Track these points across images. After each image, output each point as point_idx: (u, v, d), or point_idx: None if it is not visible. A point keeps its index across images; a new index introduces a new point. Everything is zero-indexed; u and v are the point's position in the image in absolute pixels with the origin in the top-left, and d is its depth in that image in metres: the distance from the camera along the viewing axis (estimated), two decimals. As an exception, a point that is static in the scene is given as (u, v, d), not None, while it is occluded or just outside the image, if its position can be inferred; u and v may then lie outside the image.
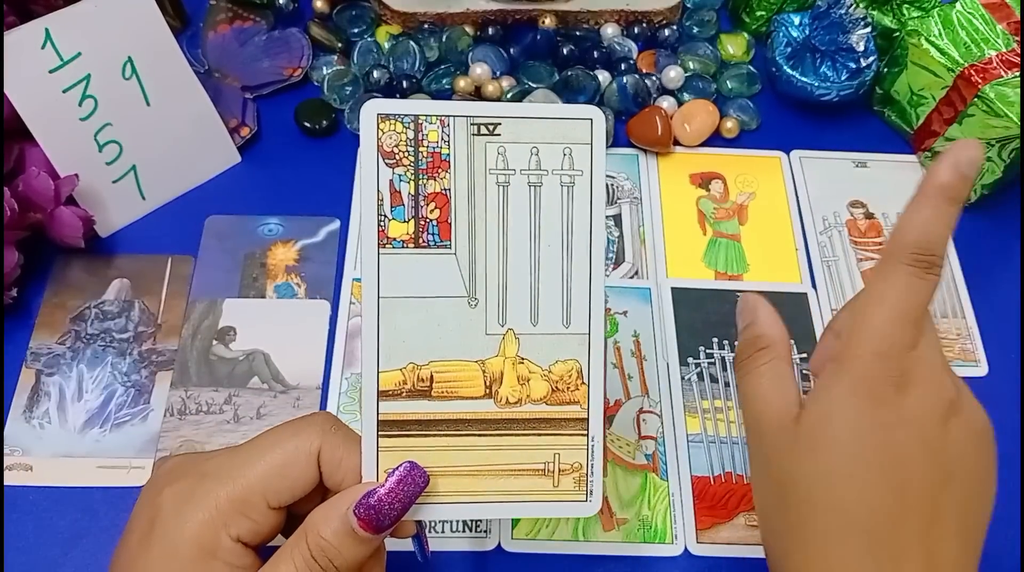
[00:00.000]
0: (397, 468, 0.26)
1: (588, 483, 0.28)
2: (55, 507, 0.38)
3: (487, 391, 0.27)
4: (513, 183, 0.27)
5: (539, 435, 0.28)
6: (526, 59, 0.53)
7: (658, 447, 0.41)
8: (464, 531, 0.38)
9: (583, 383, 0.27)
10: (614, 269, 0.47)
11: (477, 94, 0.51)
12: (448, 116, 0.26)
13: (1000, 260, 0.49)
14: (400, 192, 0.26)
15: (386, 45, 0.53)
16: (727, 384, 0.43)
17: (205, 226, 0.47)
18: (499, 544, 0.38)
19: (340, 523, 0.25)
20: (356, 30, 0.54)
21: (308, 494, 0.27)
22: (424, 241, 0.26)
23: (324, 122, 0.50)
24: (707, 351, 0.44)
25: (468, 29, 0.53)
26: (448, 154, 0.26)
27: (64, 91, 0.41)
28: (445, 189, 0.26)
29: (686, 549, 0.38)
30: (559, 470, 0.28)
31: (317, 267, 0.45)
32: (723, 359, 0.44)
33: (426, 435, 0.27)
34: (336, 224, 0.47)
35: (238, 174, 0.49)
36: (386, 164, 0.26)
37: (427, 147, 0.26)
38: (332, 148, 0.50)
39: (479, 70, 0.51)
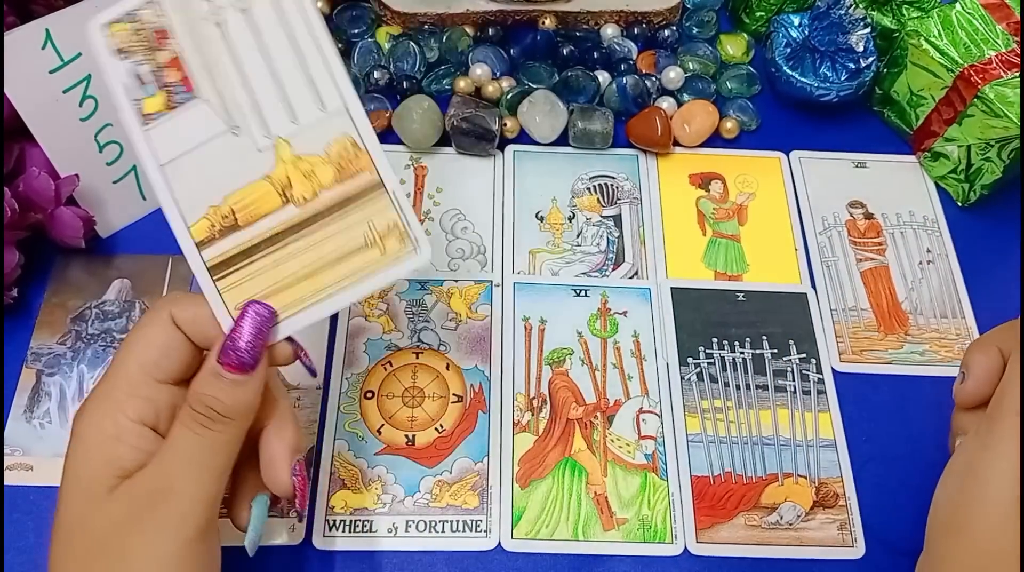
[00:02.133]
0: (243, 309, 0.29)
1: (411, 235, 0.30)
2: (55, 507, 0.38)
3: (284, 198, 0.29)
4: (227, 18, 0.29)
5: (347, 214, 0.29)
6: (526, 60, 0.53)
7: (658, 447, 0.41)
8: (464, 531, 0.38)
9: (361, 150, 0.29)
10: (614, 269, 0.47)
11: (477, 94, 0.51)
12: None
13: (1000, 260, 0.49)
14: (140, 76, 0.29)
15: (386, 46, 0.53)
16: (727, 384, 0.43)
17: (205, 226, 0.47)
18: (499, 544, 0.38)
19: (209, 372, 0.28)
20: (356, 31, 0.54)
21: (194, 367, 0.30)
22: (174, 102, 0.29)
23: (324, 122, 0.50)
24: (707, 351, 0.44)
25: (468, 30, 0.53)
26: (167, 23, 0.29)
27: (64, 91, 0.41)
28: (175, 52, 0.29)
29: (686, 549, 0.38)
30: (378, 235, 0.30)
31: (317, 267, 0.45)
32: (722, 359, 0.44)
33: (252, 261, 0.29)
34: (336, 224, 0.47)
35: (238, 174, 0.49)
36: (121, 60, 0.29)
37: (148, 28, 0.29)
38: (332, 148, 0.50)
39: (479, 71, 0.51)
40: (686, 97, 0.53)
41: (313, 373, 0.32)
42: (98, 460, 0.28)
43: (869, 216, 0.50)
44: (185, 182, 0.29)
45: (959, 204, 0.50)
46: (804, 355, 0.44)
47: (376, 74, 0.51)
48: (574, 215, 0.49)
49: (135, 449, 0.28)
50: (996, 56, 0.47)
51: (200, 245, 0.29)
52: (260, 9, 0.29)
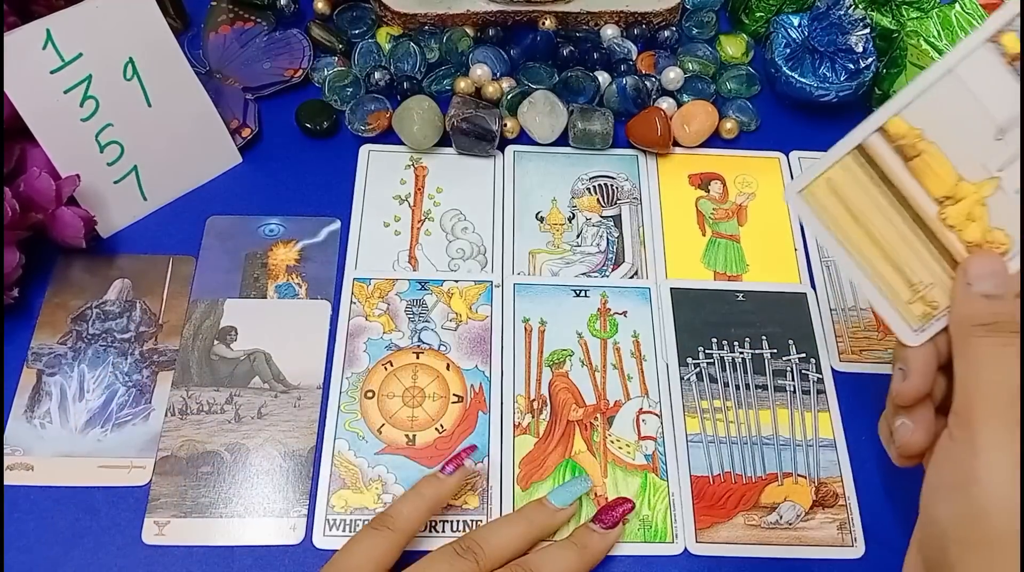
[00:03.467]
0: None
1: (930, 323, 0.31)
2: (56, 507, 0.38)
3: (943, 198, 0.29)
4: None
5: (940, 259, 0.30)
6: (526, 60, 0.53)
7: (658, 447, 0.41)
8: (465, 531, 0.38)
9: (1008, 255, 0.30)
10: (614, 270, 0.47)
11: (477, 95, 0.51)
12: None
13: (999, 260, 0.49)
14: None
15: (387, 46, 0.53)
16: (726, 384, 0.43)
17: (206, 226, 0.47)
18: (499, 543, 0.38)
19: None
20: (357, 31, 0.54)
21: None
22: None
23: (325, 123, 0.50)
24: (706, 351, 0.44)
25: (468, 30, 0.54)
26: None
27: (65, 92, 0.41)
28: None
29: (686, 549, 0.38)
30: (921, 296, 0.31)
31: (318, 267, 0.46)
32: (722, 359, 0.44)
33: (865, 194, 0.30)
34: (337, 224, 0.47)
35: (239, 175, 0.49)
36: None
37: None
38: (333, 149, 0.50)
39: (479, 71, 0.51)
40: (686, 97, 0.53)
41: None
42: None
43: (868, 216, 0.50)
44: (937, 98, 0.29)
45: (958, 204, 0.50)
46: (804, 355, 0.44)
47: (376, 75, 0.51)
48: (574, 215, 0.49)
49: None
50: (995, 57, 0.47)
51: (880, 131, 0.30)
52: None
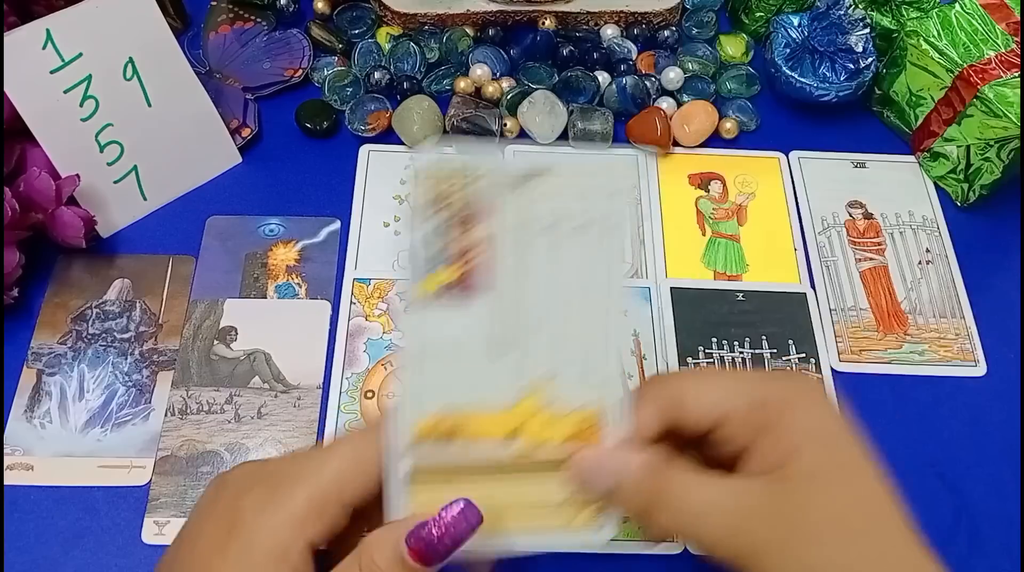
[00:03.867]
0: (452, 503, 0.26)
1: (603, 517, 0.28)
2: (56, 507, 0.38)
3: (510, 433, 0.27)
4: (554, 232, 0.27)
5: (560, 474, 0.28)
6: (526, 60, 0.53)
7: (658, 447, 0.41)
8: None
9: (605, 428, 0.28)
10: (614, 269, 0.47)
11: (477, 95, 0.51)
12: (489, 170, 0.26)
13: (1000, 260, 0.49)
14: (441, 242, 0.27)
15: (387, 46, 0.53)
16: (727, 384, 0.43)
17: (206, 226, 0.47)
18: (499, 543, 0.38)
19: (392, 550, 0.25)
20: (357, 31, 0.54)
21: (372, 502, 0.27)
22: (468, 285, 0.27)
23: (325, 123, 0.50)
24: (706, 351, 0.44)
25: (468, 30, 0.54)
26: (491, 202, 0.26)
27: (65, 92, 0.41)
28: (486, 237, 0.27)
29: (686, 549, 0.38)
30: (576, 505, 0.28)
31: (318, 267, 0.46)
32: (722, 359, 0.44)
33: (452, 481, 0.28)
34: (337, 224, 0.47)
35: (239, 174, 0.49)
36: (430, 214, 0.26)
37: (471, 197, 0.26)
38: (333, 149, 0.50)
39: (479, 71, 0.51)
40: (686, 97, 0.53)
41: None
42: None
43: (868, 216, 0.50)
44: (429, 371, 0.27)
45: (958, 204, 0.50)
46: (803, 355, 0.44)
47: (376, 74, 0.51)
48: (574, 215, 0.49)
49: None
50: (995, 56, 0.47)
51: (413, 444, 0.27)
52: (587, 242, 0.27)
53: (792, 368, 0.44)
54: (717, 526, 0.27)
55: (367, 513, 0.27)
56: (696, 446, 0.30)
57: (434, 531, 0.25)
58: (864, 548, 0.26)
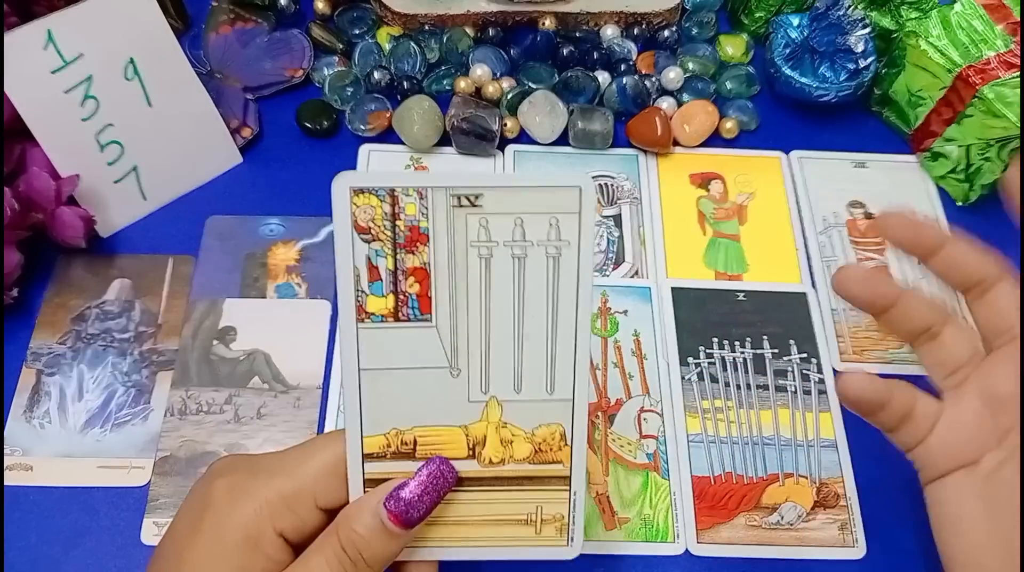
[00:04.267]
0: (427, 462, 0.26)
1: (570, 531, 0.29)
2: (55, 507, 0.38)
3: (470, 452, 0.27)
4: (496, 255, 0.26)
5: (521, 490, 0.28)
6: (526, 60, 0.53)
7: (659, 446, 0.41)
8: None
9: (566, 444, 0.28)
10: (614, 269, 0.47)
11: (478, 95, 0.51)
12: (426, 188, 0.25)
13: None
14: (378, 267, 0.25)
15: (387, 46, 0.53)
16: (727, 384, 0.43)
17: (206, 226, 0.47)
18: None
19: (371, 516, 0.26)
20: (357, 31, 0.54)
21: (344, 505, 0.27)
22: (404, 315, 0.26)
23: (325, 123, 0.50)
24: (707, 351, 0.44)
25: (468, 30, 0.54)
26: (427, 227, 0.25)
27: (66, 92, 0.41)
28: (425, 263, 0.26)
29: (687, 549, 0.38)
30: (541, 520, 0.28)
31: (318, 267, 0.45)
32: (723, 359, 0.44)
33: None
34: (337, 224, 0.47)
35: (239, 174, 0.49)
36: (362, 240, 0.25)
37: (405, 221, 0.25)
38: (333, 149, 0.50)
39: (479, 71, 0.51)
40: (686, 97, 0.53)
41: None
42: (232, 562, 0.26)
43: (869, 216, 0.50)
44: (379, 394, 0.26)
45: (959, 204, 0.50)
46: (805, 355, 0.44)
47: (377, 74, 0.51)
48: (574, 215, 0.49)
49: (269, 561, 0.26)
50: (995, 56, 0.47)
51: (366, 457, 0.27)
52: (534, 265, 0.26)
53: (793, 368, 0.44)
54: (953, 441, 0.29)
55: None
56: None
57: (414, 489, 0.26)
58: None
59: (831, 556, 0.38)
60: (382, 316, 0.26)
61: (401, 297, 0.26)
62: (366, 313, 0.26)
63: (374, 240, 0.25)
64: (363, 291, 0.26)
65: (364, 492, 0.27)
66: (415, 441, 0.27)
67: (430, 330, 0.26)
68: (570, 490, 0.28)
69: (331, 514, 0.27)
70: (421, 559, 0.28)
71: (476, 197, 0.25)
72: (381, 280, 0.26)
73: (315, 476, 0.27)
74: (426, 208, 0.25)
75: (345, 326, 0.26)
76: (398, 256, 0.25)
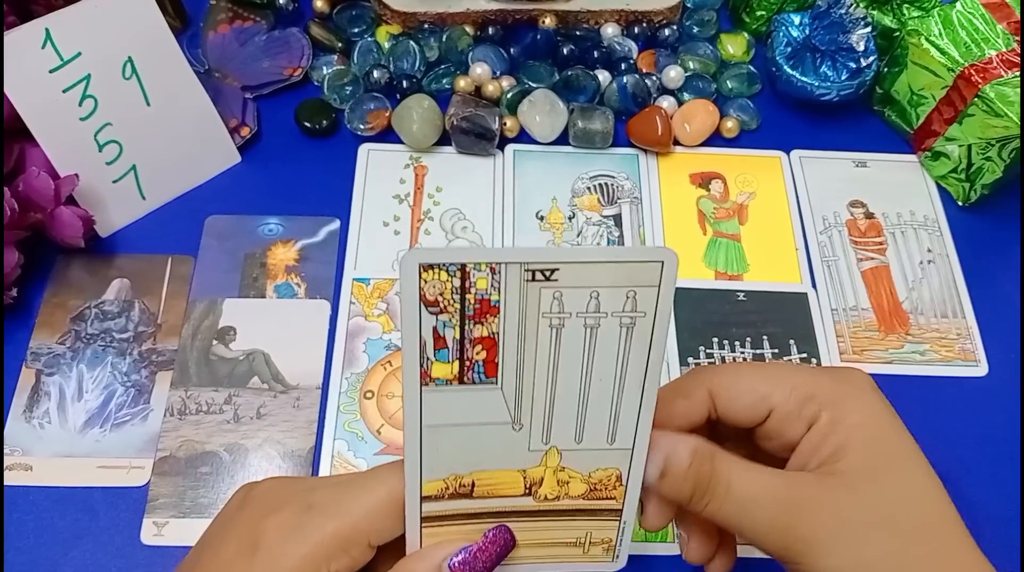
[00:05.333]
0: (491, 529, 0.27)
1: (616, 551, 0.29)
2: (55, 507, 0.38)
3: (527, 492, 0.28)
4: (568, 325, 0.25)
5: (575, 520, 0.28)
6: (526, 59, 0.53)
7: (658, 447, 0.41)
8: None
9: (621, 484, 0.28)
10: (614, 269, 0.47)
11: (477, 94, 0.51)
12: (499, 263, 0.24)
13: (1000, 260, 0.49)
14: (444, 337, 0.25)
15: (386, 45, 0.53)
16: (727, 384, 0.43)
17: (205, 226, 0.47)
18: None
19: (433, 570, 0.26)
20: (356, 30, 0.54)
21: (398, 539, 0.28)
22: (469, 379, 0.25)
23: (324, 122, 0.50)
24: (707, 351, 0.44)
25: (468, 29, 0.53)
26: (498, 301, 0.24)
27: (64, 91, 0.41)
28: (493, 333, 0.25)
29: (686, 549, 0.38)
30: (590, 543, 0.29)
31: (317, 267, 0.45)
32: (723, 359, 0.44)
33: (466, 524, 0.28)
34: (336, 224, 0.47)
35: (238, 174, 0.49)
36: (429, 312, 0.24)
37: (475, 294, 0.24)
38: (332, 148, 0.50)
39: (479, 70, 0.51)
40: (686, 96, 0.53)
41: None
42: None
43: (870, 215, 0.50)
44: (440, 447, 0.26)
45: (960, 203, 0.50)
46: (805, 355, 0.44)
47: (376, 73, 0.51)
48: (574, 214, 0.48)
49: None
50: (996, 55, 0.47)
51: (424, 499, 0.27)
52: (607, 334, 0.25)
53: (793, 368, 0.44)
54: (765, 517, 0.26)
55: (391, 548, 0.27)
56: (744, 442, 0.30)
57: (477, 554, 0.27)
58: (916, 547, 0.26)
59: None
60: (447, 380, 0.25)
61: (467, 363, 0.25)
62: (430, 377, 0.25)
63: (442, 312, 0.24)
64: (429, 358, 0.25)
65: (421, 531, 0.27)
66: (473, 483, 0.27)
67: (495, 392, 0.26)
68: (620, 520, 0.29)
69: (382, 549, 0.27)
70: None
71: (552, 272, 0.24)
72: (447, 348, 0.25)
73: (369, 516, 0.27)
74: (498, 282, 0.24)
75: (409, 388, 0.25)
76: (466, 327, 0.25)
